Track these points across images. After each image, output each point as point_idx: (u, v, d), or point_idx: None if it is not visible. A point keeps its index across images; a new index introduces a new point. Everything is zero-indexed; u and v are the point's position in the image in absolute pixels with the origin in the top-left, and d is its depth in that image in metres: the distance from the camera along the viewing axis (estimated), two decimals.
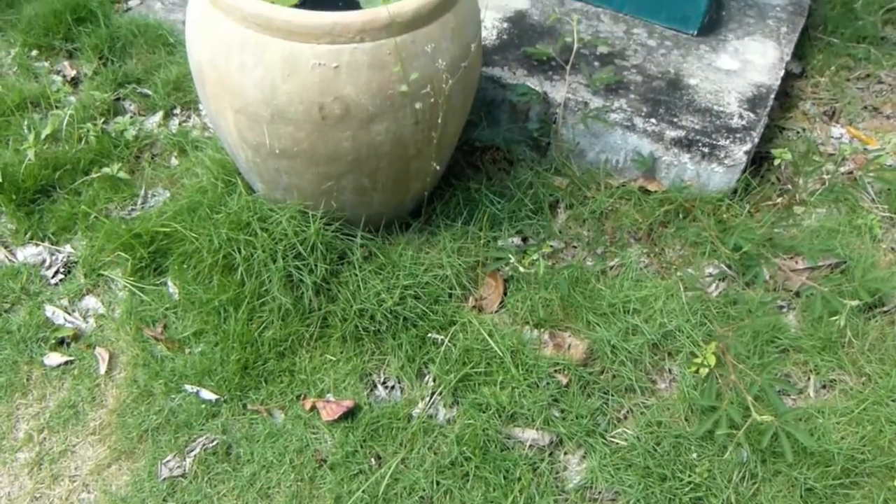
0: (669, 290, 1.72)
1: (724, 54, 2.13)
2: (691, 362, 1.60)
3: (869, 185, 2.03)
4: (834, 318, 1.63)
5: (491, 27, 2.15)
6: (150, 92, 2.24)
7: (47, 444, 1.56)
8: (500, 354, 1.59)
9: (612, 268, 1.79)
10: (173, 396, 1.59)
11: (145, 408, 1.59)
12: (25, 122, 2.08)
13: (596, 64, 2.05)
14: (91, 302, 1.78)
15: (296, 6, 1.50)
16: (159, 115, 2.17)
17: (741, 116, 1.93)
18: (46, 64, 2.36)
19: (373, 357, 1.64)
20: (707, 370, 1.57)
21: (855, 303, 1.61)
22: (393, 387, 1.62)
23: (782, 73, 2.10)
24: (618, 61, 2.07)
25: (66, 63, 2.35)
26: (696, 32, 2.18)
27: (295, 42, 1.38)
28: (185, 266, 1.72)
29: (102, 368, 1.66)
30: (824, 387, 1.64)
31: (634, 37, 2.16)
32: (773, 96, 2.01)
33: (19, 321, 1.73)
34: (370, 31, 1.38)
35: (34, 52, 2.37)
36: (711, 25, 2.23)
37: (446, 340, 1.62)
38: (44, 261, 1.86)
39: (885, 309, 1.74)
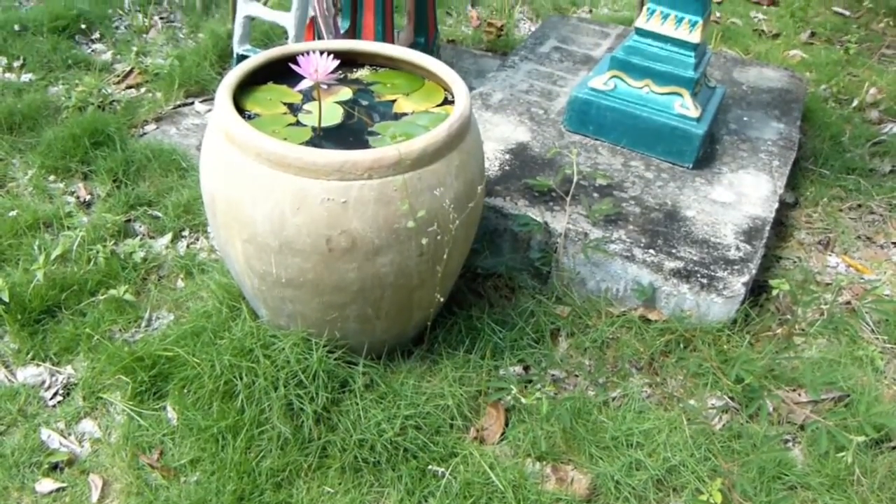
0: (672, 423, 1.70)
1: (720, 187, 2.20)
2: (697, 500, 1.56)
3: (867, 316, 2.04)
4: (841, 453, 1.61)
5: (493, 158, 2.23)
6: (160, 214, 2.30)
7: None
8: (502, 489, 1.56)
9: (614, 399, 1.79)
10: None
11: None
12: (37, 243, 2.12)
13: (595, 195, 2.12)
14: (88, 426, 1.76)
15: (307, 142, 1.57)
16: (168, 238, 2.22)
17: (738, 248, 1.97)
18: (61, 185, 2.43)
19: (371, 489, 1.60)
20: None
21: (861, 438, 1.60)
22: None
23: (776, 205, 2.16)
24: (616, 193, 2.13)
25: (80, 185, 2.43)
26: (691, 165, 2.26)
27: (305, 178, 1.43)
28: (185, 391, 1.72)
29: (95, 496, 1.62)
30: None
31: (632, 169, 2.24)
32: (768, 228, 2.07)
33: (13, 444, 1.70)
34: (378, 169, 1.44)
35: (52, 177, 2.45)
36: (706, 159, 2.31)
37: (447, 473, 1.59)
38: (43, 382, 1.85)
39: (892, 444, 1.72)
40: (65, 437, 1.73)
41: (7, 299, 1.90)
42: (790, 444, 1.74)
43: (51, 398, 1.81)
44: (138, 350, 1.80)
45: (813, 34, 3.82)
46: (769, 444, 1.67)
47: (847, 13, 4.09)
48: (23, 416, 1.77)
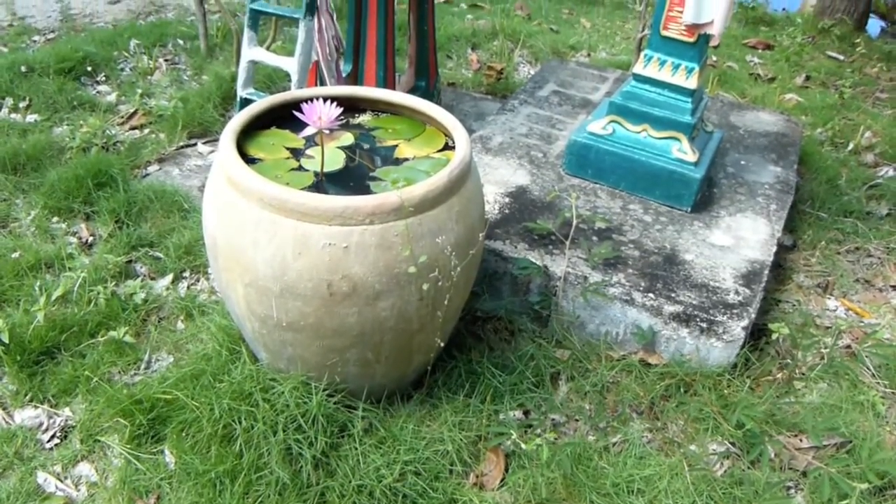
0: (674, 469, 1.69)
1: (718, 230, 2.22)
2: None
3: (868, 360, 2.04)
4: (843, 501, 1.60)
5: (493, 201, 2.25)
6: (161, 255, 2.30)
7: None
8: None
9: (614, 444, 1.77)
10: None
11: None
12: (38, 283, 2.12)
13: (594, 238, 2.13)
14: (85, 469, 1.75)
15: (309, 187, 1.59)
16: (169, 279, 2.23)
17: (737, 292, 1.98)
18: (64, 226, 2.44)
19: None
20: None
21: (864, 486, 1.58)
22: None
23: (774, 248, 2.17)
24: (615, 236, 2.15)
25: (82, 225, 2.44)
26: (689, 209, 2.27)
27: (307, 223, 1.45)
28: (183, 435, 1.70)
29: None
30: None
31: (631, 212, 2.26)
32: (766, 272, 2.07)
33: (9, 488, 1.69)
34: (379, 215, 1.45)
35: (54, 218, 2.46)
36: (704, 202, 2.33)
37: None
38: (41, 424, 1.84)
39: (895, 492, 1.70)
40: (61, 481, 1.72)
41: (7, 340, 1.90)
42: (792, 490, 1.73)
43: (48, 441, 1.80)
44: (137, 392, 1.79)
45: (808, 78, 3.88)
46: (771, 492, 1.66)
47: (841, 57, 4.15)
48: (19, 458, 1.75)
